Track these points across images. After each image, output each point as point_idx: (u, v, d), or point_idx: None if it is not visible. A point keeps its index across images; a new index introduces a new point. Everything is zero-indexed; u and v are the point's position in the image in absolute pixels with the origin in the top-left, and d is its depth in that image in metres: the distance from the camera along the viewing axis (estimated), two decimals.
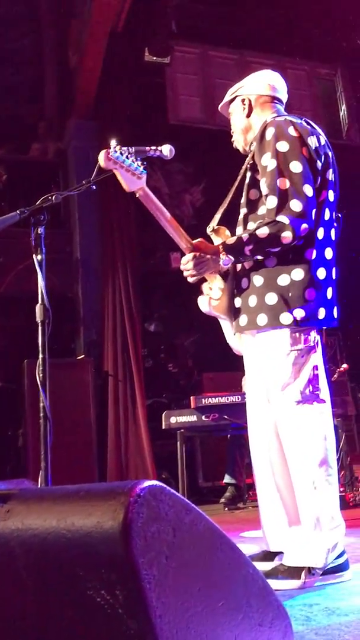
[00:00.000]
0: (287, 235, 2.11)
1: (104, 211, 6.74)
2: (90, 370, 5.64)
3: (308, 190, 2.15)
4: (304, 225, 2.12)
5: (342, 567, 2.14)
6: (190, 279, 2.32)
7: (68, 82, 7.57)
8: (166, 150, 2.47)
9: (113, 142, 2.21)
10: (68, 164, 7.46)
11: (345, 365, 5.16)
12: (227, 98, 2.55)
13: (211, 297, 2.40)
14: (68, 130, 7.48)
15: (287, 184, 2.14)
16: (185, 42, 7.67)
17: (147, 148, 2.44)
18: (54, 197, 2.29)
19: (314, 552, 2.09)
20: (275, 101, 2.49)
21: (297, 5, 7.38)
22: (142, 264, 6.81)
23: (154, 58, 6.44)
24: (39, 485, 2.01)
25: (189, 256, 2.28)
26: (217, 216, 2.48)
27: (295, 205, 2.12)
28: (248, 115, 2.46)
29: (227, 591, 1.14)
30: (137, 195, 2.27)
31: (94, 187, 2.35)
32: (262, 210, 2.27)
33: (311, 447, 2.14)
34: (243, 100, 2.48)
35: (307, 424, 2.16)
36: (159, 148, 2.46)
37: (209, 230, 2.49)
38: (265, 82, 2.50)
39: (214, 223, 2.47)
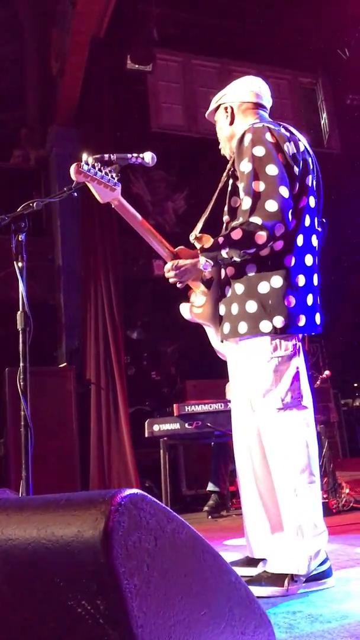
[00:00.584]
0: (261, 234, 2.10)
1: (86, 218, 6.72)
2: (72, 378, 5.60)
3: (284, 191, 2.15)
4: (279, 225, 2.12)
5: (325, 574, 2.14)
6: (178, 285, 2.35)
7: (50, 89, 7.57)
8: (148, 157, 2.47)
9: (84, 156, 2.21)
10: (50, 170, 7.44)
11: (327, 372, 5.18)
12: (212, 106, 2.56)
13: (193, 305, 2.41)
14: (50, 137, 7.47)
15: (262, 186, 2.15)
16: (168, 50, 7.71)
17: (129, 155, 2.45)
18: (35, 204, 2.28)
19: (296, 559, 2.09)
20: (259, 107, 2.50)
21: (278, 14, 7.45)
22: (125, 271, 6.80)
23: (136, 66, 6.45)
24: (20, 495, 1.99)
25: (170, 264, 2.30)
26: (200, 224, 2.49)
27: (270, 205, 2.12)
28: (231, 123, 2.47)
29: (210, 600, 1.13)
30: (113, 206, 2.28)
31: (76, 194, 2.35)
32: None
33: (293, 453, 2.14)
34: (226, 109, 2.49)
35: (288, 430, 2.16)
36: (141, 155, 2.46)
37: (192, 238, 2.49)
38: (248, 88, 2.51)
39: (196, 231, 2.47)
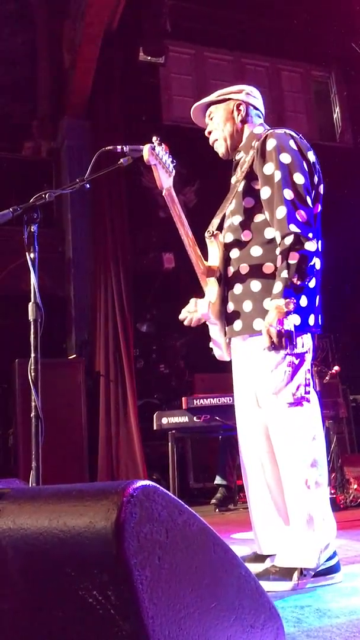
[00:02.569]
0: (309, 243, 2.11)
1: (97, 210, 6.72)
2: (82, 370, 5.62)
3: (310, 201, 2.20)
4: (311, 234, 2.14)
5: (333, 569, 2.14)
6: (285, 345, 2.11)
7: (61, 81, 7.55)
8: (160, 150, 2.47)
9: (155, 138, 2.22)
10: (61, 163, 7.43)
11: (337, 368, 5.16)
12: (213, 98, 2.52)
13: (211, 301, 2.38)
14: (61, 129, 7.46)
15: (292, 194, 2.16)
16: (180, 42, 7.67)
17: (142, 147, 2.44)
18: (47, 195, 2.28)
19: (306, 553, 2.09)
20: (261, 117, 2.53)
21: (292, 7, 7.39)
22: (135, 264, 6.79)
23: (149, 58, 6.42)
24: (30, 485, 1.99)
25: (268, 337, 2.09)
26: (216, 221, 2.45)
27: (302, 215, 2.14)
28: (243, 121, 2.46)
29: (220, 592, 1.13)
30: (164, 194, 2.28)
31: (88, 186, 2.35)
32: (258, 218, 2.28)
33: (302, 448, 2.15)
34: (239, 105, 2.47)
35: (298, 425, 2.17)
36: (155, 146, 2.46)
37: (207, 235, 2.45)
38: (258, 96, 2.54)
39: (212, 228, 2.44)
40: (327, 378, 4.98)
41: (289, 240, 2.11)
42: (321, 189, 2.37)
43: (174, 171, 2.29)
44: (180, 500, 1.07)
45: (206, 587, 1.10)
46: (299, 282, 2.10)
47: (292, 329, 2.06)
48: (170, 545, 1.01)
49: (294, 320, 2.07)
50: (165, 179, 2.24)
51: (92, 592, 0.95)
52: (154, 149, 2.18)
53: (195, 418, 4.62)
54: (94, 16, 6.19)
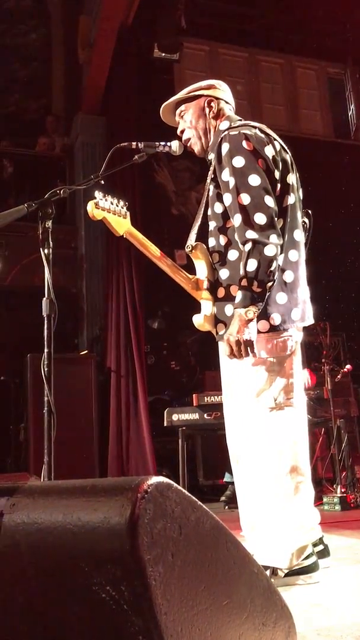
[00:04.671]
0: (268, 247, 2.06)
1: None
2: (93, 365, 5.64)
3: (269, 201, 2.12)
4: (273, 236, 2.08)
5: (310, 569, 2.13)
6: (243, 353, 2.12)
7: (76, 77, 7.56)
8: (175, 146, 2.47)
9: (97, 192, 2.21)
10: (74, 158, 7.45)
11: (348, 366, 5.14)
12: (182, 95, 2.47)
13: (206, 315, 2.35)
14: (75, 125, 7.47)
15: (248, 198, 2.11)
16: (195, 39, 7.64)
17: (157, 144, 2.44)
18: (62, 191, 2.28)
19: (278, 553, 2.10)
20: (233, 111, 2.49)
21: (307, 4, 7.35)
22: (147, 260, 6.79)
23: (163, 54, 6.41)
24: (42, 479, 2.00)
25: (228, 344, 2.13)
26: (193, 234, 2.42)
27: (260, 218, 2.09)
28: (216, 117, 2.42)
29: (232, 590, 1.13)
30: (125, 237, 2.27)
31: (103, 182, 2.35)
32: (231, 223, 2.24)
33: (281, 453, 2.14)
34: (211, 101, 2.43)
35: (278, 430, 2.15)
36: (169, 144, 2.46)
37: (187, 249, 2.40)
38: (227, 90, 2.50)
39: (191, 241, 2.40)
40: (338, 377, 4.96)
41: (247, 247, 2.08)
42: (290, 178, 2.30)
43: (127, 212, 2.26)
44: (193, 497, 1.07)
45: (219, 584, 1.10)
46: (259, 289, 2.06)
47: (253, 338, 2.06)
48: (183, 542, 1.01)
49: (254, 329, 2.07)
50: (120, 225, 2.23)
51: (105, 587, 0.95)
52: (97, 204, 2.16)
53: (205, 415, 4.63)
54: (110, 12, 6.19)
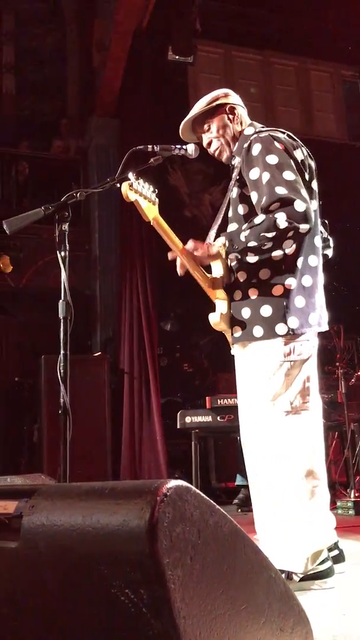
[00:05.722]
0: (281, 219, 2.07)
1: (124, 209, 6.74)
2: (107, 367, 5.64)
3: (306, 194, 2.14)
4: (304, 225, 2.09)
5: (324, 574, 2.12)
6: (179, 270, 2.32)
7: (91, 79, 7.59)
8: (191, 149, 2.46)
9: (131, 174, 2.20)
10: (89, 161, 7.48)
11: None
12: (204, 107, 2.46)
13: (222, 312, 2.36)
14: (89, 127, 7.51)
15: (284, 190, 2.12)
16: (209, 42, 7.64)
17: (173, 147, 2.44)
18: (78, 194, 2.29)
19: (294, 558, 2.08)
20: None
21: (321, 6, 7.33)
22: (160, 262, 6.80)
23: (177, 57, 6.42)
24: (58, 480, 2.01)
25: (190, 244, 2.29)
26: (212, 232, 2.43)
27: (299, 205, 2.08)
28: (237, 124, 2.44)
29: (250, 594, 1.13)
30: (152, 224, 2.27)
31: (119, 185, 2.35)
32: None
33: (297, 458, 2.13)
34: (233, 109, 2.45)
35: (294, 434, 2.15)
36: (184, 147, 2.46)
37: None
38: (238, 98, 2.51)
39: (210, 240, 2.41)
40: (352, 380, 4.94)
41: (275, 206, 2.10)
42: (314, 185, 2.34)
43: (157, 200, 2.25)
44: (212, 501, 1.07)
45: (236, 588, 1.09)
46: (243, 238, 2.15)
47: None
48: (202, 545, 1.01)
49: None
50: (150, 210, 2.21)
51: (124, 590, 0.95)
52: (131, 185, 2.14)
53: (218, 417, 4.62)
54: (124, 15, 6.21)
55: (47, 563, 1.06)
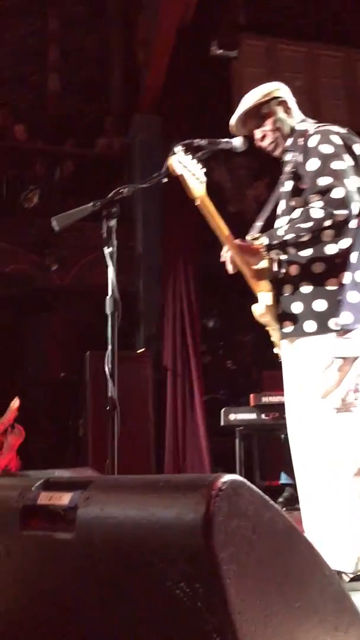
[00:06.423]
0: (319, 211, 2.10)
1: (167, 206, 6.75)
2: (150, 364, 5.68)
3: (349, 184, 2.12)
4: (343, 210, 2.08)
5: None
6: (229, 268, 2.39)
7: (134, 77, 7.61)
8: (238, 142, 2.44)
9: (179, 147, 2.19)
10: (133, 158, 7.51)
11: None
12: (259, 99, 2.44)
13: (267, 304, 2.34)
14: (133, 125, 7.53)
15: (329, 180, 2.13)
16: (253, 35, 7.56)
17: (219, 140, 2.43)
18: (125, 190, 2.30)
19: (344, 557, 2.05)
20: None
21: None
22: (203, 259, 6.78)
23: (222, 51, 6.38)
24: (106, 474, 2.03)
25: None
26: (259, 224, 2.42)
27: (336, 193, 2.09)
28: (290, 117, 2.43)
29: (304, 592, 1.11)
30: (197, 204, 2.26)
31: (165, 179, 2.35)
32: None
33: (348, 456, 2.10)
34: (285, 103, 2.43)
35: (345, 432, 2.12)
36: (231, 140, 2.44)
37: (249, 238, 2.41)
38: (290, 92, 2.48)
39: (254, 231, 2.41)
40: None
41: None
42: None
43: (205, 178, 2.22)
44: (266, 496, 1.05)
45: (291, 585, 1.08)
46: (282, 232, 2.18)
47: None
48: (257, 541, 1.00)
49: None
50: (195, 188, 2.19)
51: (179, 584, 0.95)
52: (179, 158, 2.13)
53: (263, 415, 4.58)
54: (168, 11, 6.20)
55: (101, 555, 1.06)
